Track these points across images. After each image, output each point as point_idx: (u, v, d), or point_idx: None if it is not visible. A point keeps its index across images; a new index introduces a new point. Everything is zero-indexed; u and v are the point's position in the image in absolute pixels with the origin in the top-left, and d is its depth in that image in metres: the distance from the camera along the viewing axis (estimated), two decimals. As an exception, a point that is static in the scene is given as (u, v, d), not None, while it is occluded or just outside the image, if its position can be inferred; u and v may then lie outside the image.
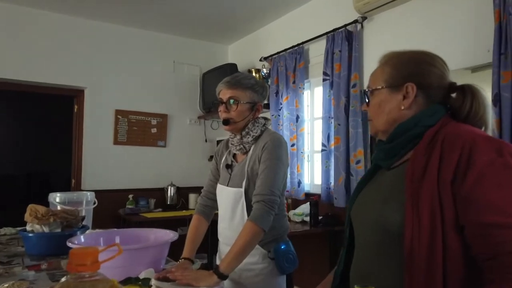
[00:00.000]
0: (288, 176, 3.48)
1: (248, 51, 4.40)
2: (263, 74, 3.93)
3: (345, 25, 3.05)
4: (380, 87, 1.01)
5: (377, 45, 2.96)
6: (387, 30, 2.89)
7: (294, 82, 3.54)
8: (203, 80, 4.48)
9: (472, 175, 0.80)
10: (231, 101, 1.53)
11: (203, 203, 1.70)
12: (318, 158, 3.55)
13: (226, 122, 1.54)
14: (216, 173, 1.71)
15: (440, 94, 0.98)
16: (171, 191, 4.26)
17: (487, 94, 0.99)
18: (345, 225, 1.13)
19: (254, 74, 3.99)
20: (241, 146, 1.56)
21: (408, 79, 0.97)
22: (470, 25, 2.35)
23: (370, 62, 3.00)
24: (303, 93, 3.49)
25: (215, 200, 1.68)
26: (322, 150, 3.19)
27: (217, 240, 1.67)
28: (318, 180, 3.47)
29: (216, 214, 1.67)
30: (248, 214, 1.44)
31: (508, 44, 2.05)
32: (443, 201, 0.81)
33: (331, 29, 3.16)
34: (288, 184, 3.54)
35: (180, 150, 4.48)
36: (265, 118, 1.61)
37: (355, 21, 3.01)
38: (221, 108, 1.55)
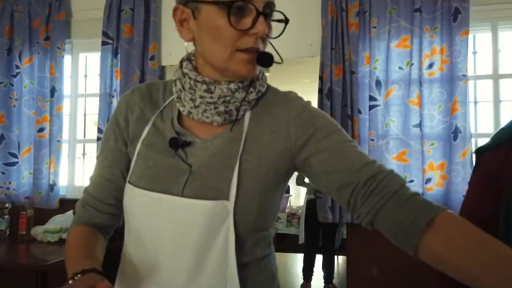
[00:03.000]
0: (30, 176, 2.41)
1: None
2: (-20, 17, 2.49)
3: (139, -22, 2.35)
4: None
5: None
6: None
7: (47, 39, 2.42)
8: None
9: None
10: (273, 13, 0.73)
11: (90, 216, 0.78)
12: (81, 149, 2.60)
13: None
14: (121, 160, 0.77)
15: None
16: None
17: None
18: None
19: (-41, 14, 2.48)
20: (230, 106, 0.70)
21: None
22: (293, 17, 2.28)
23: (169, 33, 2.44)
24: (63, 57, 2.43)
25: (113, 216, 0.79)
26: (99, 139, 2.32)
27: None
28: (80, 180, 2.52)
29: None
30: (238, 258, 0.67)
31: (339, 39, 2.10)
32: None
33: (117, -23, 2.36)
34: (30, 187, 2.41)
35: None
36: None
37: (154, -24, 2.36)
38: (260, 23, 0.68)
